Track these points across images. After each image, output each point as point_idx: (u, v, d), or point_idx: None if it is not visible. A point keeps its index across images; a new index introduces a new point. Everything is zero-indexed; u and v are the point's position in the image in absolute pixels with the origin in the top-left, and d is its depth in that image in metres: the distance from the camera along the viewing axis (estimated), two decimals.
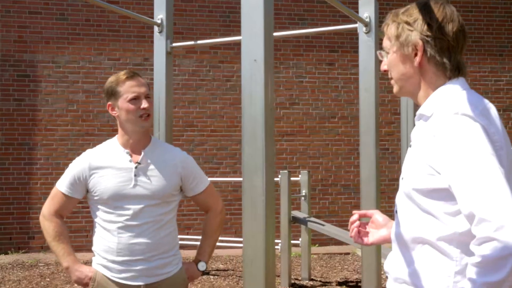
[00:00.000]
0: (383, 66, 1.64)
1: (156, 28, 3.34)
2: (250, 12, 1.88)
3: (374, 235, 1.77)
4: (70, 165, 2.51)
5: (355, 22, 2.94)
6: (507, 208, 1.23)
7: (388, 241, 1.73)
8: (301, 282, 6.58)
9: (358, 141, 9.47)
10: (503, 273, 1.22)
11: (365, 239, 1.78)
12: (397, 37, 1.55)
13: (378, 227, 1.77)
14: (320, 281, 6.72)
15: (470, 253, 1.34)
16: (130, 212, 2.39)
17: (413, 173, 1.47)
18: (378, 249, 3.01)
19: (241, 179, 6.51)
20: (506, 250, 1.21)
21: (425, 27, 1.51)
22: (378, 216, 1.78)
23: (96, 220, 2.47)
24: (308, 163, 9.40)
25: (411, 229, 1.48)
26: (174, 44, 3.36)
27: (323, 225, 6.24)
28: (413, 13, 1.55)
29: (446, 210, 1.40)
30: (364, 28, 2.91)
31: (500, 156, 1.35)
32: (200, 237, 2.72)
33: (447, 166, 1.35)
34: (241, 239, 7.76)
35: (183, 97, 9.06)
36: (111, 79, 2.50)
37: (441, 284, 1.41)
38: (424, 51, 1.51)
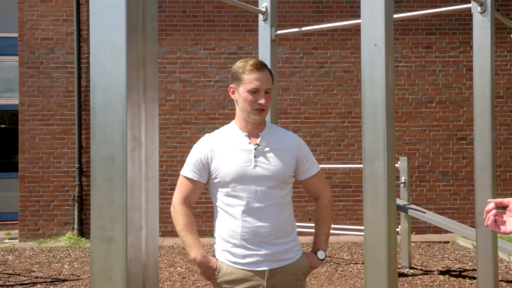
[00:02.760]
0: None
1: (260, 16, 3.36)
2: None
3: None
4: (192, 150, 2.54)
5: (466, 2, 2.82)
6: None
7: None
8: (402, 270, 6.47)
9: (457, 126, 9.18)
10: None
11: (502, 228, 1.72)
12: None
13: None
14: (420, 269, 6.57)
15: None
16: (252, 194, 2.43)
17: None
18: (495, 237, 2.90)
19: (334, 165, 6.48)
20: None
21: None
22: None
23: (218, 205, 2.50)
24: (404, 149, 9.19)
25: None
26: (279, 32, 3.37)
27: (424, 212, 6.08)
28: None
29: None
30: (478, 8, 2.78)
31: None
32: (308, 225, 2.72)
33: None
34: (340, 226, 7.71)
35: (277, 84, 9.10)
36: (240, 64, 2.51)
37: None
38: None
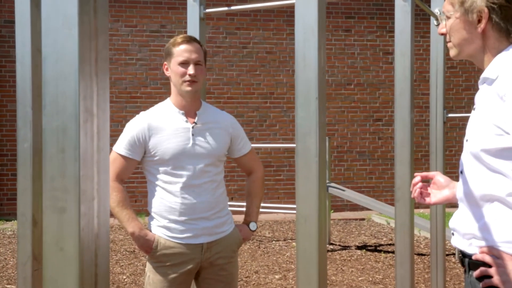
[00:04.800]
0: (441, 30, 1.67)
1: None
2: None
3: (436, 195, 1.84)
4: (127, 127, 2.53)
5: None
6: None
7: (450, 200, 1.80)
8: None
9: (374, 108, 9.53)
10: None
11: (427, 199, 1.85)
12: (462, 3, 1.59)
13: (441, 188, 1.83)
14: (339, 245, 6.83)
15: None
16: (190, 171, 2.47)
17: (479, 134, 1.52)
18: (412, 212, 3.08)
19: (256, 145, 6.54)
20: None
21: None
22: (439, 177, 1.85)
23: (155, 182, 2.51)
24: (325, 125, 9.43)
25: (479, 188, 1.54)
26: (208, 10, 3.37)
27: (343, 190, 6.32)
28: None
29: None
30: None
31: None
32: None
33: None
34: (262, 205, 7.86)
35: None
36: (171, 40, 2.56)
37: (510, 236, 1.48)
38: (489, 18, 1.55)
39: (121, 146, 2.51)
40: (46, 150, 0.93)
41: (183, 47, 2.49)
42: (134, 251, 6.49)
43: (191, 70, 2.47)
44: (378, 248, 6.66)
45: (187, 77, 2.48)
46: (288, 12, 9.20)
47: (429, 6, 4.34)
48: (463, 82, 9.72)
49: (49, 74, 0.93)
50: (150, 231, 2.54)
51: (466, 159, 1.61)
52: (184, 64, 2.48)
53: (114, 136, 8.29)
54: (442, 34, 1.68)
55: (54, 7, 0.92)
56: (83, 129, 0.92)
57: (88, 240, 0.94)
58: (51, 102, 0.92)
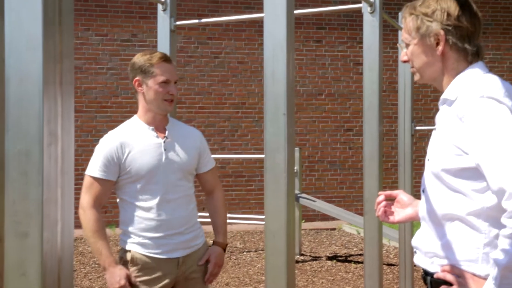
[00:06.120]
0: (403, 57, 1.72)
1: (160, 6, 3.33)
2: None
3: (400, 213, 1.87)
4: (98, 148, 2.48)
5: (356, 1, 2.99)
6: None
7: (413, 219, 1.83)
8: None
9: (345, 118, 9.62)
10: None
11: (391, 218, 1.88)
12: (418, 29, 1.63)
13: (404, 206, 1.87)
14: (310, 255, 6.85)
15: (497, 226, 1.44)
16: (165, 187, 2.47)
17: (440, 154, 1.55)
18: (380, 223, 3.11)
19: (228, 155, 6.56)
20: None
21: (445, 16, 1.59)
22: (403, 196, 1.88)
23: (129, 200, 2.48)
24: (295, 140, 9.48)
25: (441, 207, 1.57)
26: (179, 23, 3.36)
27: (314, 201, 6.35)
28: (431, 4, 1.63)
29: (474, 187, 1.49)
30: (368, 8, 2.96)
31: None
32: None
33: (476, 146, 1.44)
34: (233, 215, 7.83)
35: None
36: (145, 57, 2.52)
37: (471, 255, 1.51)
38: (446, 40, 1.60)
39: (95, 169, 2.44)
40: (8, 173, 0.92)
41: (164, 66, 2.51)
42: None
43: (173, 90, 2.52)
44: (348, 259, 6.70)
45: (168, 96, 2.52)
46: (259, 23, 9.24)
47: (397, 20, 4.41)
48: (432, 92, 9.89)
49: (12, 96, 0.92)
50: (124, 247, 2.51)
51: (427, 178, 1.64)
52: (165, 83, 2.50)
53: (84, 146, 8.22)
54: (404, 61, 1.73)
55: (18, 28, 0.91)
56: (47, 152, 0.91)
57: (51, 265, 0.93)
58: (15, 124, 0.91)
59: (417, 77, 1.71)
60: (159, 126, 2.56)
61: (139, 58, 2.55)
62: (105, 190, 2.46)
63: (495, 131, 1.41)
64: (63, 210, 0.95)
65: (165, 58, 2.55)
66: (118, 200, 2.55)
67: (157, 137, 2.52)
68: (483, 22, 1.71)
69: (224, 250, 2.68)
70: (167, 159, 2.49)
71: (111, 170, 2.44)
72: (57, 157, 0.94)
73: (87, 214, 2.42)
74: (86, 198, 2.43)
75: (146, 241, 2.47)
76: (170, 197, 2.49)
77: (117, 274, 2.40)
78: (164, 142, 2.52)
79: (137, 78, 2.53)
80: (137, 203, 2.47)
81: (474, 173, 1.47)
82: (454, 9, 1.60)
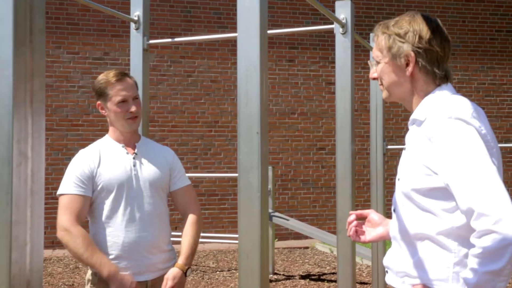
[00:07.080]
0: (373, 74, 1.74)
1: (132, 25, 3.33)
2: (246, 12, 1.93)
3: (371, 233, 1.88)
4: (71, 166, 2.46)
5: (328, 21, 3.04)
6: (503, 202, 1.34)
7: (384, 238, 1.84)
8: None
9: (317, 137, 9.67)
10: (503, 261, 1.33)
11: (362, 237, 1.88)
12: (389, 48, 1.66)
13: (375, 226, 1.88)
14: (283, 274, 6.83)
15: (467, 245, 1.46)
16: (134, 203, 2.44)
17: (410, 174, 1.57)
18: (353, 242, 3.12)
19: (201, 174, 6.53)
20: (505, 241, 1.32)
21: (417, 39, 1.62)
22: (374, 215, 1.89)
23: (98, 217, 2.44)
24: (268, 158, 9.49)
25: (411, 226, 1.59)
26: (151, 41, 3.36)
27: (287, 219, 6.34)
28: (403, 25, 1.66)
29: (444, 207, 1.51)
30: (340, 29, 3.00)
31: (492, 154, 1.46)
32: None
33: (445, 166, 1.46)
34: (206, 234, 7.76)
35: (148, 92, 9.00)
36: (101, 79, 2.52)
37: (441, 274, 1.52)
38: (416, 61, 1.62)
39: (71, 186, 2.40)
40: None
41: (118, 86, 2.49)
42: (73, 284, 6.28)
43: (132, 107, 2.50)
44: (321, 277, 6.69)
45: (128, 115, 2.51)
46: (233, 42, 9.28)
47: (368, 41, 4.47)
48: (402, 112, 10.02)
49: None
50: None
51: (398, 198, 1.66)
52: (123, 102, 2.49)
53: (54, 164, 8.09)
54: (374, 79, 1.75)
55: None
56: (16, 173, 0.89)
57: (20, 287, 0.91)
58: None
59: (385, 94, 1.74)
60: (129, 143, 2.57)
61: (96, 81, 2.55)
62: (84, 206, 2.40)
63: (463, 151, 1.43)
64: (32, 231, 0.93)
65: (119, 77, 2.50)
66: (88, 218, 2.51)
67: (127, 153, 2.52)
68: (452, 45, 1.75)
69: (185, 273, 2.52)
70: (137, 174, 2.48)
71: (86, 185, 2.41)
72: (27, 177, 0.92)
73: (72, 232, 2.32)
74: (65, 218, 2.34)
75: (114, 261, 2.41)
76: (139, 214, 2.44)
77: (126, 278, 2.35)
78: (134, 158, 2.52)
79: (98, 102, 2.56)
80: (105, 220, 2.43)
81: (443, 193, 1.49)
82: (426, 32, 1.63)
